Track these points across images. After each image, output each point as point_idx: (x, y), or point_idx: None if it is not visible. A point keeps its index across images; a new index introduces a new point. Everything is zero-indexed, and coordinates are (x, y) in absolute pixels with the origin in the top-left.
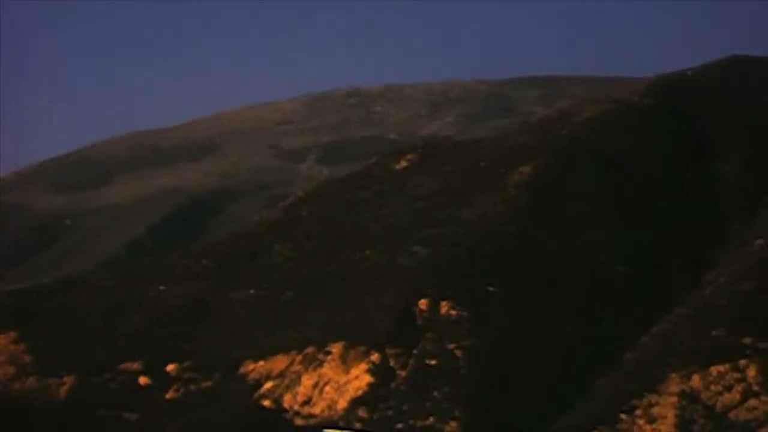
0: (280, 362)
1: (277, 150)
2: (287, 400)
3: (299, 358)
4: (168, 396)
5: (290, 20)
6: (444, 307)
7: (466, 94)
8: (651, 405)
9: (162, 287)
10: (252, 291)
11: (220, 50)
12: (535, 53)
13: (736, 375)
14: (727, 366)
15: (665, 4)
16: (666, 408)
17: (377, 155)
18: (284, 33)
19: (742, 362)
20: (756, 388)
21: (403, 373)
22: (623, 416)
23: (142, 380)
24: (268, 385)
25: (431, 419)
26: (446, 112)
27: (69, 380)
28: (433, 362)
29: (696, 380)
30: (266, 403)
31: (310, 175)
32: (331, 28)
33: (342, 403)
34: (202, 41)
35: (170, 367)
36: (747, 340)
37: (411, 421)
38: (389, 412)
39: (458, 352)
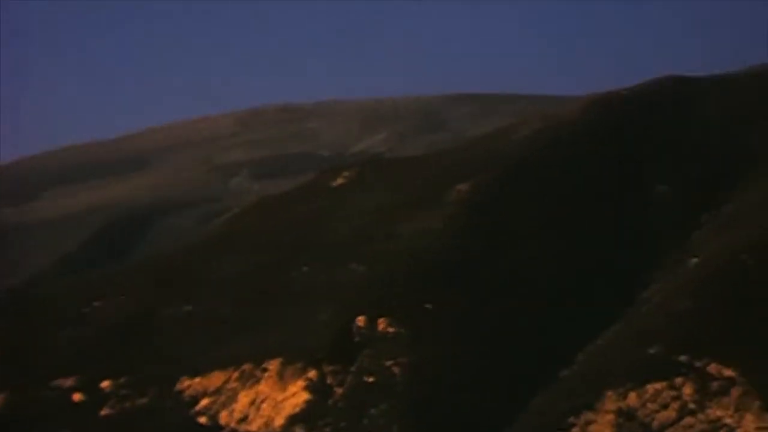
0: (216, 379)
1: (208, 165)
2: (223, 417)
3: (236, 375)
4: (102, 413)
5: (221, 35)
6: (381, 323)
7: (398, 111)
8: (588, 423)
9: (96, 303)
10: (188, 307)
11: (151, 65)
12: (466, 70)
13: (673, 393)
14: (663, 384)
15: (594, 24)
16: (603, 426)
17: (311, 171)
18: (216, 48)
19: (678, 380)
20: (692, 406)
21: (340, 390)
22: None
23: (76, 397)
24: (205, 402)
25: None
26: (378, 129)
27: (1, 397)
28: (370, 379)
29: (632, 398)
30: (202, 420)
31: (242, 191)
32: (263, 43)
33: (279, 421)
34: (133, 56)
35: (105, 384)
36: (683, 358)
37: None
38: (327, 429)
39: (396, 369)
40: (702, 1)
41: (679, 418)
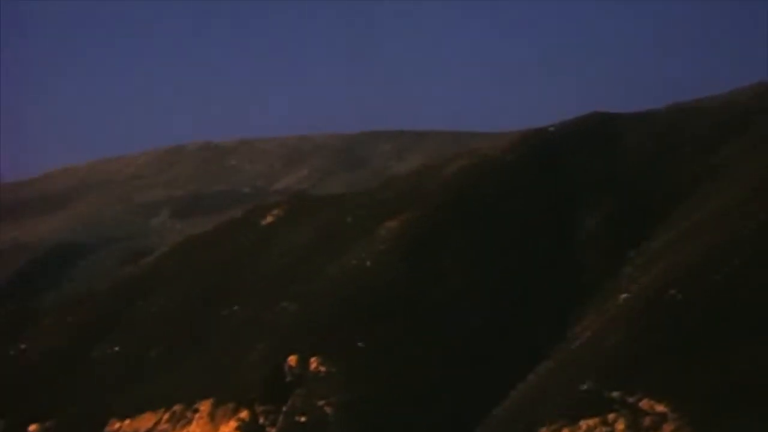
0: (147, 420)
1: (129, 204)
2: None
3: (166, 416)
4: None
5: (140, 74)
6: (313, 362)
7: (320, 148)
8: None
9: (23, 345)
10: (117, 347)
11: (70, 103)
12: (386, 107)
13: (605, 429)
14: (596, 420)
15: (508, 63)
16: None
17: (233, 208)
18: (136, 86)
19: (611, 416)
20: None
21: (273, 430)
22: None
23: None
24: None
25: None
26: (300, 166)
27: None
28: (302, 419)
29: None
30: None
31: (164, 229)
32: (182, 81)
33: None
34: (51, 93)
35: (32, 427)
36: (615, 394)
37: None
38: None
39: (328, 409)
40: (623, 41)
41: None
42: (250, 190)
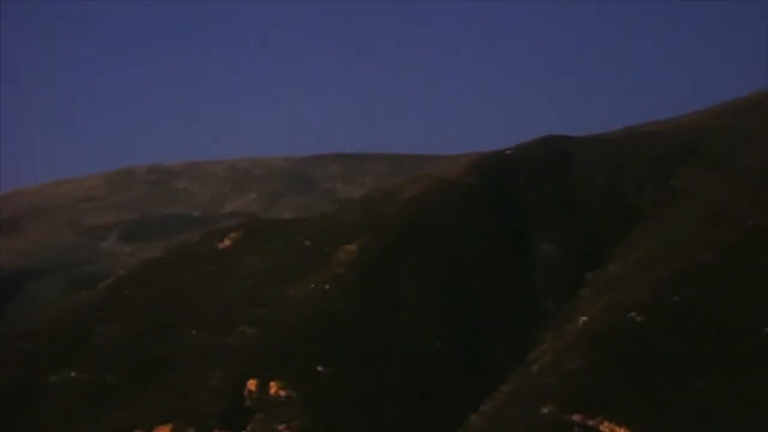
0: None
1: (78, 228)
2: None
3: None
4: None
5: (92, 95)
6: (273, 387)
7: (269, 171)
8: None
9: None
10: (74, 374)
11: (16, 126)
12: (335, 131)
13: None
14: None
15: (453, 86)
16: None
17: (183, 232)
18: (84, 109)
19: None
20: None
21: None
22: None
23: None
24: None
25: None
26: (250, 189)
27: None
28: None
29: None
30: None
31: (113, 253)
32: (132, 104)
33: None
34: None
35: None
36: (576, 418)
37: None
38: None
39: None
40: (580, 63)
41: None
42: (199, 214)
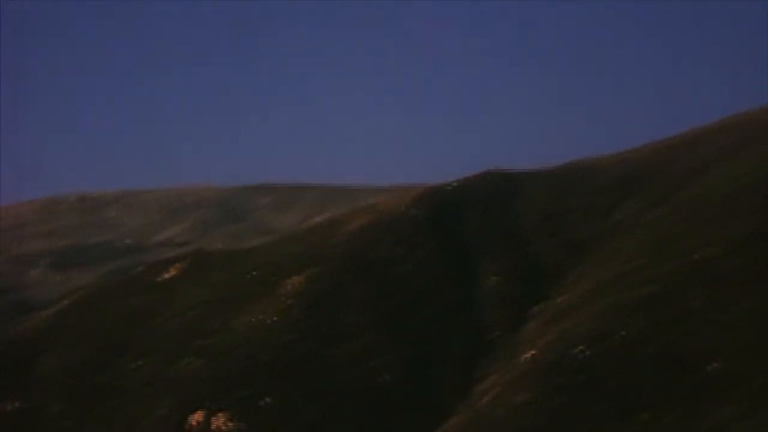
0: None
1: (7, 255)
2: None
3: None
4: None
5: (23, 121)
6: (219, 418)
7: (201, 200)
8: None
9: None
10: (17, 403)
11: None
12: (266, 161)
13: None
14: None
15: (384, 119)
16: None
17: (113, 261)
18: (14, 135)
19: None
20: None
21: None
22: None
23: None
24: None
25: None
26: (182, 218)
27: None
28: None
29: None
30: None
31: (43, 281)
32: (61, 131)
33: None
34: None
35: None
36: None
37: None
38: None
39: None
40: (518, 97)
41: None
42: (130, 242)
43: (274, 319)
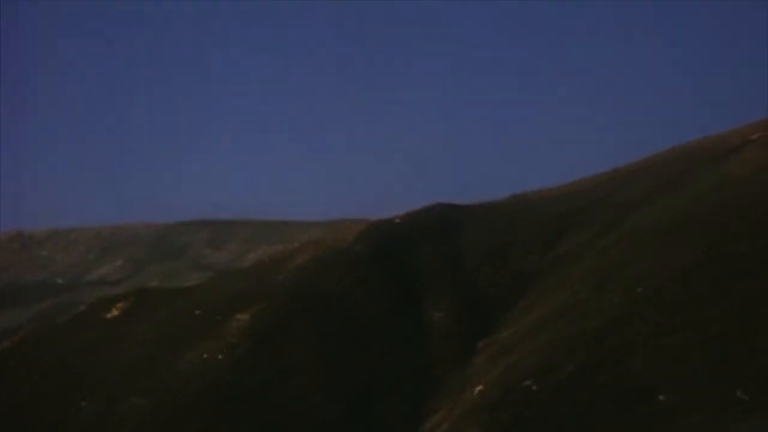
0: None
1: None
2: None
3: None
4: None
5: None
6: None
7: (134, 237)
8: None
9: None
10: None
11: None
12: (201, 197)
13: None
14: None
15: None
16: None
17: (46, 298)
18: None
19: None
20: None
21: None
22: None
23: None
24: None
25: None
26: (115, 256)
27: None
28: None
29: None
30: None
31: None
32: None
33: None
34: None
35: None
36: None
37: None
38: None
39: None
40: (461, 129)
41: None
42: (63, 281)
43: (220, 356)
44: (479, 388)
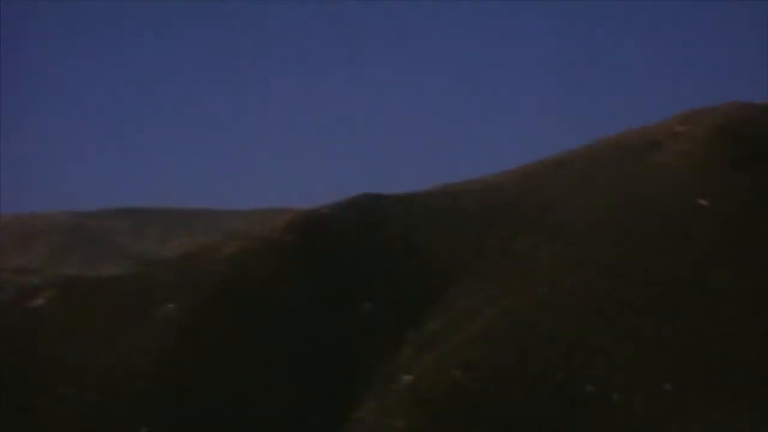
0: None
1: None
2: None
3: None
4: None
5: None
6: None
7: (54, 226)
8: None
9: None
10: None
11: None
12: (121, 186)
13: None
14: None
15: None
16: None
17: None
18: None
19: None
20: None
21: None
22: None
23: None
24: None
25: None
26: (35, 243)
27: None
28: None
29: None
30: None
31: None
32: None
33: None
34: None
35: None
36: None
37: None
38: None
39: None
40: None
41: None
42: None
43: (148, 349)
44: (408, 378)
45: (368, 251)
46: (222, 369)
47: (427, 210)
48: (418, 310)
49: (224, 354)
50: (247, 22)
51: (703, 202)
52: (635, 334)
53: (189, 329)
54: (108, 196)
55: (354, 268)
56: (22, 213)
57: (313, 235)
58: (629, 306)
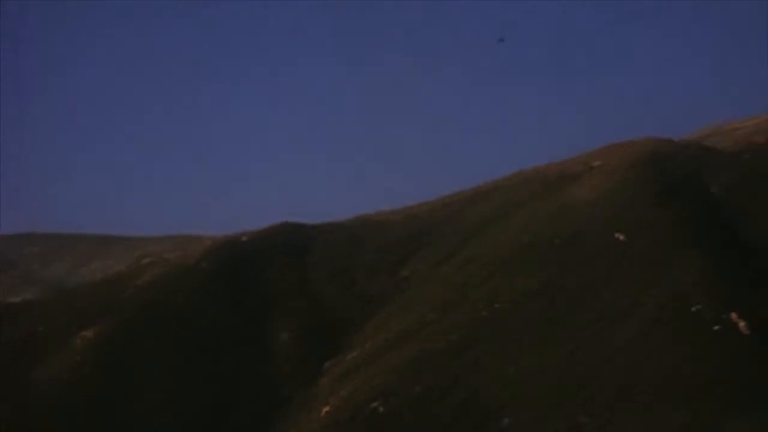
0: None
1: None
2: None
3: None
4: None
5: None
6: None
7: None
8: None
9: None
10: None
11: None
12: (32, 210)
13: None
14: None
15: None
16: None
17: None
18: None
19: None
20: None
21: None
22: None
23: None
24: None
25: None
26: None
27: None
28: None
29: None
30: None
31: None
32: None
33: None
34: None
35: None
36: None
37: None
38: None
39: None
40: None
41: None
42: None
43: (67, 375)
44: (326, 408)
45: (287, 280)
46: (141, 394)
47: (349, 239)
48: (338, 340)
49: (143, 379)
50: None
51: (620, 237)
52: (555, 368)
53: (108, 356)
54: (17, 219)
55: (273, 296)
56: None
57: (232, 263)
58: (549, 338)
